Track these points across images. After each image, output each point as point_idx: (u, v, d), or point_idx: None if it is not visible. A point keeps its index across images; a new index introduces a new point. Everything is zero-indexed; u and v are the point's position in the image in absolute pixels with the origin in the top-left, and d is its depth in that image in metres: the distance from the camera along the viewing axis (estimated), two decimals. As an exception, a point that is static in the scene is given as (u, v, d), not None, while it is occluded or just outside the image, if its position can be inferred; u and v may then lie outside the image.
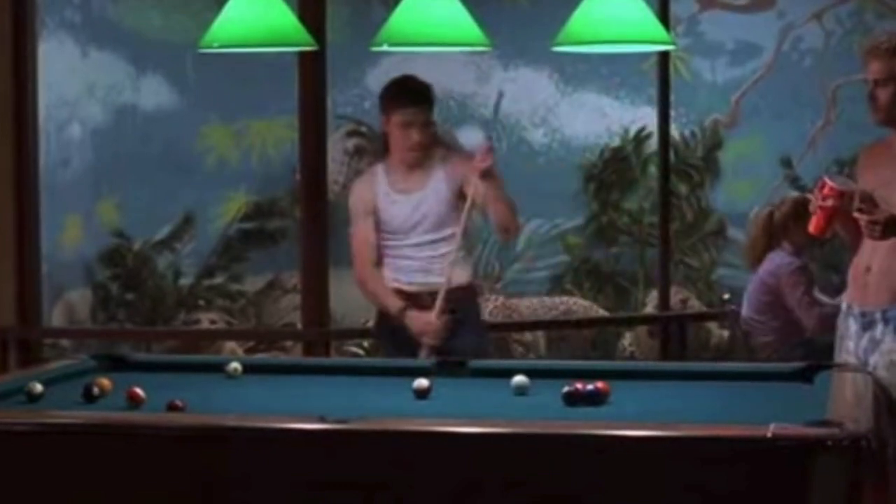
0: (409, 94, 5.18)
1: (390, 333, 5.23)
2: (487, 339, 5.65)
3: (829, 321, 5.90)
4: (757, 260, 6.33)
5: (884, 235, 4.42)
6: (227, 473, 3.13)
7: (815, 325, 6.11)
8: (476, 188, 5.03)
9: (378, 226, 5.21)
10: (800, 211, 5.97)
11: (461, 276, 5.18)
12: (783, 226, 6.23)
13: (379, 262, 5.22)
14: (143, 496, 3.14)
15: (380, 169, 5.28)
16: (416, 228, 5.19)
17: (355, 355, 7.64)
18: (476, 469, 3.05)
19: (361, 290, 5.30)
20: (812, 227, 4.63)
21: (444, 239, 5.16)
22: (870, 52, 4.65)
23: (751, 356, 6.25)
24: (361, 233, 5.23)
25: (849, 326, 4.71)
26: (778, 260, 6.23)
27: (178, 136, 8.36)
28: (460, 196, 5.11)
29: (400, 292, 5.17)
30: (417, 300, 5.15)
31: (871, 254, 4.62)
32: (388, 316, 5.21)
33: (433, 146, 5.21)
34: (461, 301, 5.18)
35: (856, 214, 4.44)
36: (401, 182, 5.21)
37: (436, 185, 5.18)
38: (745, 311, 6.35)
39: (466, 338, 5.14)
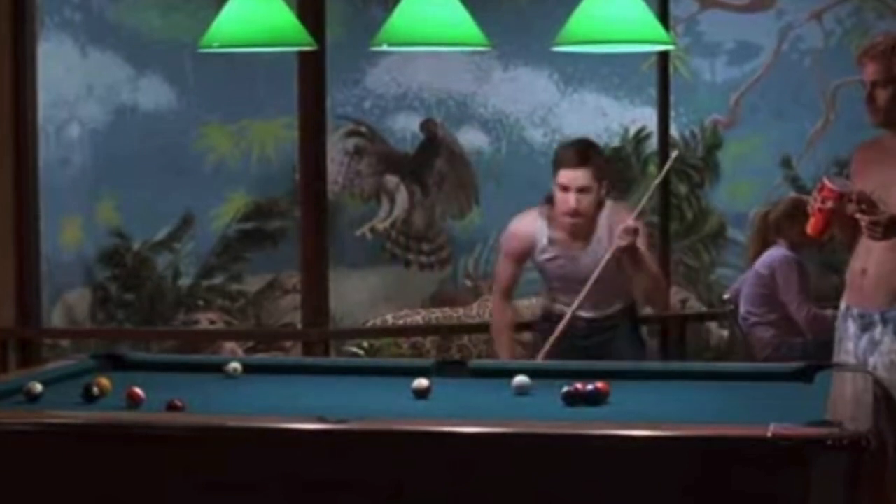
0: (568, 156, 5.21)
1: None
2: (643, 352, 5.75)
3: (821, 321, 5.92)
4: (754, 259, 6.39)
5: (885, 236, 4.42)
6: (227, 473, 3.13)
7: (806, 323, 6.13)
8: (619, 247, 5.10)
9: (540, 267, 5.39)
10: (794, 211, 6.07)
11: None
12: (776, 225, 6.29)
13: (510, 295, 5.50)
14: (143, 496, 3.14)
15: (541, 219, 5.32)
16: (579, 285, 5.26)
17: (355, 355, 7.64)
18: (476, 469, 3.04)
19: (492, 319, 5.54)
20: (810, 228, 4.63)
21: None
22: (866, 54, 4.64)
23: (751, 356, 6.26)
24: (504, 272, 5.48)
25: (847, 328, 4.71)
26: (774, 253, 6.29)
27: (178, 136, 8.33)
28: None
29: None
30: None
31: (866, 256, 4.61)
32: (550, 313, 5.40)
33: (595, 209, 5.25)
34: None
35: (857, 215, 4.44)
36: (560, 242, 5.29)
37: (595, 248, 5.23)
38: (742, 307, 6.37)
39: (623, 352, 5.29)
